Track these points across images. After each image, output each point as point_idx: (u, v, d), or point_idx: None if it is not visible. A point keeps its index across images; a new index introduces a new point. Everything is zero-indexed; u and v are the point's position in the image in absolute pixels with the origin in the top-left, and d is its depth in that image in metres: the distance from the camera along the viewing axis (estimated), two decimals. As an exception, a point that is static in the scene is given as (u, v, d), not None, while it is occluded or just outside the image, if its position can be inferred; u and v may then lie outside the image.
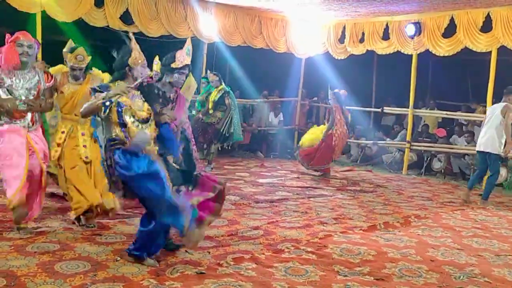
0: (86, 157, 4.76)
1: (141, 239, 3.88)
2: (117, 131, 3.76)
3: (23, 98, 4.42)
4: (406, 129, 10.39)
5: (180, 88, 4.68)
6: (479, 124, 8.15)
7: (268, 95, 12.40)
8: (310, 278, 3.82)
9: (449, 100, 12.32)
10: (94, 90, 3.81)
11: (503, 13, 8.39)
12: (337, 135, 8.83)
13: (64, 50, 4.86)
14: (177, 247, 4.27)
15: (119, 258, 3.94)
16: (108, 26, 8.58)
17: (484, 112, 7.94)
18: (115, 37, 7.98)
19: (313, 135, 9.13)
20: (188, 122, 4.84)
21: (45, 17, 8.02)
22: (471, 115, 10.15)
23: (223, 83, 8.76)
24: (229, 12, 10.17)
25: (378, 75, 13.22)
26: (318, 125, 12.16)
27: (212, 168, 8.78)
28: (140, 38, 8.58)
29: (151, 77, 4.04)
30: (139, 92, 3.89)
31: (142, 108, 3.86)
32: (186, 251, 4.25)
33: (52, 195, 5.92)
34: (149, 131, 3.87)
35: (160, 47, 8.14)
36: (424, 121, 11.55)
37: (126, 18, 8.83)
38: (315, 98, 12.80)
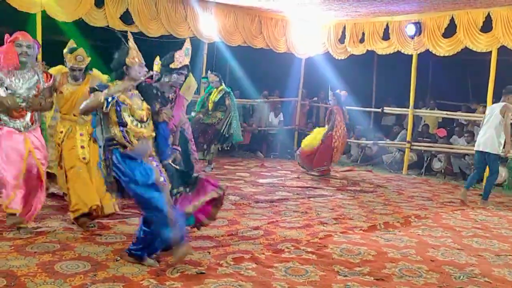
0: (84, 158, 4.75)
1: (141, 239, 3.88)
2: (115, 131, 3.77)
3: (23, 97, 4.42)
4: (406, 129, 10.38)
5: (180, 88, 4.69)
6: (479, 124, 8.15)
7: (268, 95, 12.41)
8: (310, 278, 3.82)
9: (449, 100, 12.32)
10: (93, 90, 3.81)
11: (503, 13, 8.39)
12: (336, 137, 8.84)
13: (65, 50, 4.86)
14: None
15: (119, 258, 3.94)
16: (108, 26, 8.58)
17: (484, 112, 7.93)
18: (115, 37, 7.98)
19: (313, 137, 9.14)
20: (188, 122, 4.85)
21: (45, 17, 8.02)
22: (471, 115, 10.15)
23: (223, 84, 8.76)
24: (229, 12, 10.17)
25: (378, 75, 13.22)
26: (318, 125, 12.22)
27: (212, 168, 8.79)
28: (140, 38, 8.61)
29: (151, 77, 4.05)
30: (137, 92, 3.90)
31: (141, 107, 3.87)
32: (186, 251, 4.26)
33: (52, 195, 5.92)
34: (147, 130, 3.88)
35: (160, 47, 8.14)
36: (424, 121, 11.54)
37: (126, 18, 8.84)
38: (315, 98, 12.80)
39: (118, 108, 3.74)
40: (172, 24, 9.35)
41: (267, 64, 12.06)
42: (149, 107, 3.92)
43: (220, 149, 9.01)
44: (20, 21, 7.59)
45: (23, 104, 4.41)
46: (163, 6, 9.25)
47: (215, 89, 8.69)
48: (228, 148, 9.38)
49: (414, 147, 10.08)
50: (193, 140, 4.76)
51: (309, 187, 7.89)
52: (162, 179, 3.86)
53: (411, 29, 9.52)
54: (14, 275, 3.53)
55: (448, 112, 10.42)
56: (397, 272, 4.07)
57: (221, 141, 8.79)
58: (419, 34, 9.49)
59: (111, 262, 3.88)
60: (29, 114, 4.49)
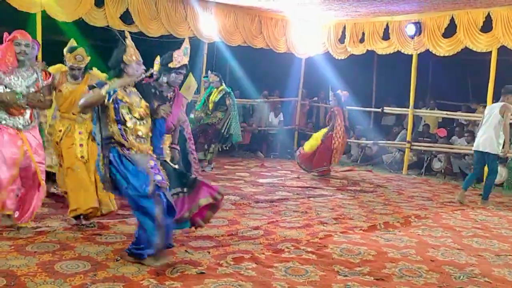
0: (82, 157, 4.75)
1: (141, 238, 3.87)
2: (113, 129, 3.77)
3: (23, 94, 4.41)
4: (406, 129, 10.38)
5: (180, 88, 4.69)
6: (479, 124, 8.14)
7: (268, 95, 12.41)
8: (310, 278, 3.82)
9: (449, 100, 12.32)
10: (92, 87, 3.82)
11: (503, 13, 8.39)
12: (336, 138, 8.84)
13: (65, 50, 4.87)
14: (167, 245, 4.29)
15: (119, 258, 3.94)
16: (108, 26, 8.59)
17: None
18: (115, 36, 7.99)
19: (315, 139, 9.15)
20: (187, 121, 4.84)
21: (45, 17, 8.02)
22: (472, 115, 10.15)
23: (223, 84, 8.76)
24: (229, 12, 10.17)
25: (378, 75, 13.22)
26: (318, 125, 12.25)
27: (212, 168, 8.79)
28: (140, 38, 8.61)
29: (151, 76, 4.05)
30: (135, 90, 3.90)
31: (139, 104, 3.87)
32: (186, 251, 4.26)
33: (52, 195, 5.92)
34: (145, 128, 3.88)
35: (160, 47, 8.13)
36: (425, 121, 11.54)
37: (126, 18, 8.84)
38: (315, 98, 12.80)
39: (116, 106, 3.75)
40: (172, 24, 9.35)
41: (267, 64, 12.06)
42: (147, 104, 3.93)
43: (220, 149, 9.01)
44: (20, 21, 7.59)
45: (22, 101, 4.39)
46: (163, 6, 9.25)
47: (216, 89, 8.69)
48: (228, 148, 9.38)
49: (414, 147, 10.08)
50: (192, 139, 4.75)
51: (309, 187, 7.89)
52: (159, 177, 3.86)
53: (411, 29, 9.52)
54: (14, 275, 3.52)
55: (448, 112, 10.42)
56: (397, 272, 4.06)
57: (221, 141, 8.80)
58: (419, 34, 9.49)
59: (111, 262, 3.88)
60: (28, 112, 4.48)
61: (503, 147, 6.97)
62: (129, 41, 3.91)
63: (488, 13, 8.59)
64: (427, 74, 13.17)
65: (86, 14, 8.37)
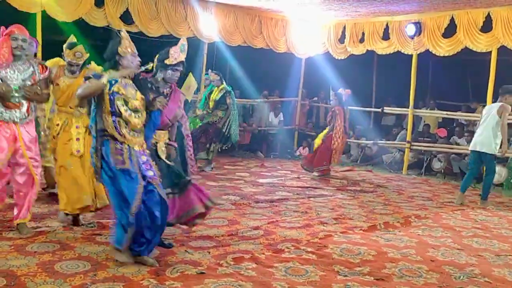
0: (78, 151, 4.75)
1: (138, 236, 3.87)
2: (108, 121, 3.78)
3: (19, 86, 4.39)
4: (406, 129, 10.38)
5: (179, 86, 4.68)
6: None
7: (268, 95, 12.41)
8: (310, 278, 3.82)
9: (449, 100, 12.32)
10: (88, 78, 3.83)
11: (503, 13, 8.39)
12: (336, 138, 8.84)
13: (64, 45, 4.88)
14: (167, 245, 4.31)
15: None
16: (108, 26, 8.59)
17: (484, 112, 7.92)
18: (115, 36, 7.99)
19: (318, 139, 9.16)
20: (186, 118, 4.82)
21: (45, 17, 8.03)
22: (471, 115, 10.15)
23: (224, 83, 8.76)
24: (229, 12, 10.17)
25: (378, 75, 13.23)
26: (318, 125, 12.26)
27: (212, 168, 8.79)
28: (140, 38, 8.61)
29: (149, 71, 4.06)
30: (131, 82, 3.91)
31: (135, 96, 3.87)
32: (186, 251, 4.26)
33: (52, 195, 5.91)
34: (141, 121, 3.89)
35: (160, 47, 8.10)
36: (425, 121, 11.54)
37: (126, 18, 8.84)
38: (315, 98, 12.81)
39: (111, 97, 3.76)
40: (172, 24, 9.35)
41: (267, 64, 12.07)
42: (143, 96, 3.93)
43: (220, 149, 9.00)
44: (20, 21, 7.54)
45: (18, 94, 4.36)
46: (163, 5, 9.25)
47: (216, 88, 8.69)
48: (228, 148, 9.39)
49: (414, 147, 10.08)
50: (190, 136, 4.72)
51: (309, 187, 7.89)
52: (151, 173, 3.87)
53: (411, 29, 9.52)
54: (14, 275, 3.53)
55: (448, 112, 10.42)
56: (397, 272, 4.06)
57: (222, 140, 8.80)
58: (419, 34, 9.49)
59: (111, 262, 3.88)
60: (25, 105, 4.46)
61: (500, 147, 6.96)
62: (124, 33, 3.92)
63: (488, 13, 8.59)
64: (427, 74, 13.18)
65: (86, 14, 8.38)
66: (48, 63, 4.95)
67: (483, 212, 6.65)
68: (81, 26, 8.60)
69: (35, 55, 5.23)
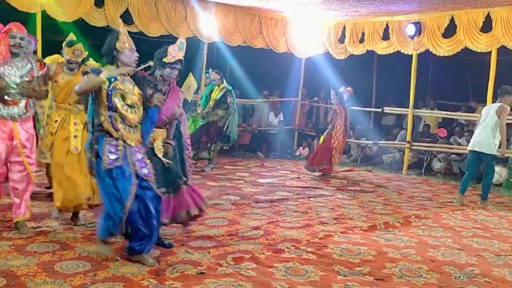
0: (75, 149, 4.75)
1: (136, 233, 3.87)
2: (104, 116, 3.78)
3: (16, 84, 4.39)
4: (406, 129, 10.38)
5: (179, 86, 4.67)
6: (479, 124, 8.14)
7: (268, 95, 12.41)
8: (310, 278, 3.82)
9: (449, 100, 12.32)
10: (86, 73, 3.83)
11: (503, 13, 8.39)
12: (335, 137, 8.85)
13: (64, 43, 4.89)
14: (167, 245, 4.32)
15: (119, 258, 3.94)
16: (108, 26, 8.59)
17: (485, 112, 7.92)
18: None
19: (321, 139, 9.18)
20: (184, 115, 4.81)
21: (45, 17, 8.03)
22: (472, 115, 10.14)
23: (225, 82, 8.77)
24: (229, 12, 10.17)
25: (378, 75, 13.22)
26: (318, 125, 12.27)
27: (212, 168, 8.79)
28: (140, 38, 8.61)
29: (148, 68, 4.06)
30: (129, 77, 3.91)
31: (132, 92, 3.87)
32: (186, 251, 4.26)
33: (52, 195, 5.90)
34: (137, 116, 3.88)
35: (160, 47, 8.11)
36: (425, 121, 11.54)
37: (126, 18, 8.83)
38: (315, 98, 12.80)
39: (109, 93, 3.76)
40: (172, 24, 9.35)
41: (267, 64, 12.07)
42: (140, 92, 3.93)
43: (219, 148, 9.00)
44: (20, 21, 7.53)
45: (15, 90, 4.35)
46: (163, 6, 9.25)
47: (217, 87, 8.69)
48: (229, 148, 9.39)
49: (414, 147, 10.08)
50: (188, 133, 4.72)
51: (309, 187, 7.89)
52: (146, 171, 3.87)
53: (411, 29, 9.52)
54: (14, 275, 3.52)
55: (448, 112, 10.42)
56: (397, 272, 4.06)
57: (223, 140, 8.81)
58: (419, 34, 9.49)
59: (111, 262, 3.88)
60: (23, 102, 4.45)
61: (499, 147, 6.96)
62: (122, 29, 3.92)
63: (488, 13, 8.59)
64: (427, 74, 13.17)
65: (86, 14, 8.38)
66: (47, 60, 4.97)
67: (483, 212, 6.65)
68: (81, 26, 8.60)
69: (35, 52, 5.23)
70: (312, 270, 3.99)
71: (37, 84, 4.48)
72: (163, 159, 4.21)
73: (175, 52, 4.19)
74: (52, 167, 4.90)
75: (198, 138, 8.51)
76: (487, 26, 8.67)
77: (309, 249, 4.50)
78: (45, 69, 4.64)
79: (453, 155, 9.69)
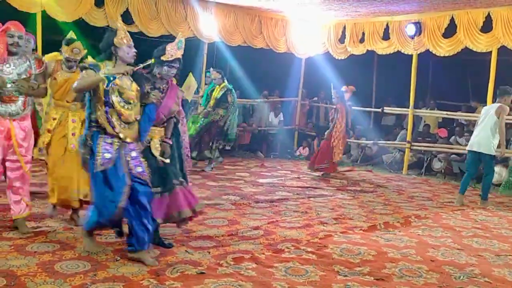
0: (74, 146, 4.76)
1: (134, 230, 3.89)
2: (100, 111, 3.78)
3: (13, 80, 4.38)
4: (406, 129, 10.38)
5: (180, 85, 4.66)
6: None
7: (268, 95, 12.41)
8: (310, 278, 3.82)
9: (449, 100, 12.32)
10: (84, 68, 3.83)
11: (503, 13, 8.39)
12: (335, 136, 8.85)
13: (63, 41, 4.90)
14: (167, 245, 4.32)
15: (119, 258, 3.94)
16: (108, 26, 8.59)
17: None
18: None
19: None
20: (183, 114, 4.81)
21: (45, 17, 8.03)
22: (472, 115, 10.14)
23: (225, 81, 8.77)
24: (229, 12, 10.18)
25: (378, 75, 13.22)
26: (318, 125, 12.27)
27: (212, 168, 8.79)
28: (140, 38, 8.61)
29: (147, 67, 4.06)
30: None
31: (130, 88, 3.87)
32: (186, 251, 4.26)
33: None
34: (133, 112, 3.88)
35: (160, 47, 8.13)
36: (425, 121, 11.54)
37: (126, 18, 8.82)
38: (315, 98, 12.80)
39: (106, 88, 3.76)
40: (172, 24, 9.35)
41: (267, 64, 12.07)
42: (138, 88, 3.93)
43: (221, 148, 8.99)
44: (20, 21, 7.55)
45: (13, 87, 4.35)
46: (163, 5, 9.25)
47: (218, 86, 8.70)
48: (230, 148, 9.39)
49: (414, 147, 10.08)
50: (186, 132, 4.71)
51: (309, 187, 7.89)
52: (140, 169, 3.88)
53: (411, 29, 9.52)
54: (14, 275, 3.52)
55: (448, 112, 10.41)
56: (397, 272, 4.06)
57: (225, 139, 8.81)
58: (419, 34, 9.49)
59: (111, 262, 3.88)
60: (21, 99, 4.44)
61: (498, 148, 6.96)
62: (120, 24, 3.92)
63: (488, 13, 8.59)
64: (427, 74, 13.17)
65: (86, 14, 8.38)
66: (46, 57, 4.98)
67: (483, 212, 6.65)
68: (81, 26, 8.59)
69: (35, 50, 5.22)
70: (312, 270, 3.99)
71: (35, 82, 4.48)
72: (159, 158, 4.18)
73: (174, 51, 4.19)
74: (49, 164, 4.90)
75: (200, 138, 8.53)
76: (487, 26, 8.67)
77: (309, 249, 4.50)
78: (43, 67, 4.64)
79: (453, 155, 9.70)
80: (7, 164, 4.49)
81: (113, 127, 3.81)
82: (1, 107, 4.35)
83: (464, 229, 5.63)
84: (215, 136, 8.70)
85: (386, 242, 4.93)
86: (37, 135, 4.94)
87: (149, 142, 4.19)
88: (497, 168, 8.16)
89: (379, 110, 11.17)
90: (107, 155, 3.78)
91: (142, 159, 3.95)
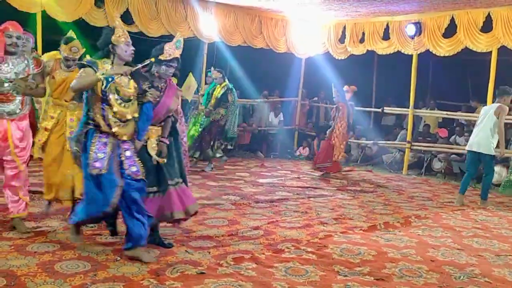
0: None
1: (130, 229, 3.90)
2: (97, 108, 3.78)
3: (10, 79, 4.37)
4: (406, 129, 10.38)
5: (180, 86, 4.65)
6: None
7: (268, 95, 12.41)
8: (310, 278, 3.82)
9: (450, 100, 12.32)
10: (81, 65, 3.83)
11: (504, 13, 8.39)
12: (336, 134, 8.85)
13: (62, 40, 4.90)
14: (167, 245, 4.32)
15: (119, 258, 3.94)
16: (108, 26, 8.58)
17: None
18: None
19: None
20: (182, 114, 4.80)
21: (45, 17, 8.03)
22: (472, 115, 10.13)
23: (226, 80, 8.78)
24: (229, 12, 10.18)
25: (378, 75, 13.22)
26: (318, 125, 12.26)
27: (212, 168, 8.79)
28: (140, 38, 8.60)
29: (146, 67, 4.06)
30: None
31: (128, 85, 3.87)
32: (186, 251, 4.26)
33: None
34: (130, 110, 3.88)
35: (160, 47, 8.12)
36: (425, 121, 11.54)
37: (126, 18, 8.83)
38: (315, 98, 12.80)
39: (104, 89, 3.76)
40: (172, 24, 9.35)
41: (267, 64, 12.06)
42: (136, 86, 3.92)
43: (222, 146, 8.99)
44: (20, 21, 7.55)
45: (9, 86, 4.33)
46: (163, 6, 9.25)
47: (219, 85, 8.71)
48: (232, 146, 9.38)
49: (414, 147, 10.08)
50: (185, 132, 4.71)
51: (309, 187, 7.89)
52: (134, 168, 3.88)
53: (411, 29, 9.52)
54: (14, 275, 3.52)
55: (448, 112, 10.41)
56: (397, 272, 4.06)
57: (225, 138, 8.82)
58: (419, 34, 9.49)
59: (111, 262, 3.88)
60: (19, 99, 4.44)
61: (497, 147, 6.96)
62: (118, 22, 3.92)
63: (488, 13, 8.59)
64: (427, 74, 13.17)
65: (86, 14, 8.38)
66: (45, 56, 4.98)
67: (483, 212, 6.65)
68: (81, 26, 8.59)
69: (35, 49, 5.21)
70: (312, 270, 3.99)
71: (32, 82, 4.48)
72: (155, 157, 4.16)
73: (172, 50, 4.19)
74: (45, 162, 4.89)
75: (201, 138, 8.55)
76: (487, 26, 8.67)
77: (309, 249, 4.50)
78: (41, 67, 4.63)
79: (454, 155, 9.69)
80: (4, 164, 4.49)
81: (108, 125, 3.80)
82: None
83: (464, 229, 5.63)
84: (216, 135, 8.72)
85: (386, 242, 4.93)
86: (35, 134, 4.95)
87: (146, 142, 4.17)
88: (497, 168, 8.16)
89: (379, 110, 11.17)
90: (100, 155, 3.79)
91: (136, 159, 3.95)
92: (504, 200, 7.67)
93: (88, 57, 4.96)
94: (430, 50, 9.52)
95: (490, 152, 6.90)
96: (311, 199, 6.94)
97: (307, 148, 11.59)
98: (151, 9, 9.10)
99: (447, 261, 4.44)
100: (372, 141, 10.95)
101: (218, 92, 8.63)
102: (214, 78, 8.79)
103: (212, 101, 8.63)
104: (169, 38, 9.19)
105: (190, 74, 8.69)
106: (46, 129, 4.86)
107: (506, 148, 8.38)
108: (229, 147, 9.12)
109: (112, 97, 3.78)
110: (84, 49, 4.92)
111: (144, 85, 4.01)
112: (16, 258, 3.87)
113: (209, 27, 9.83)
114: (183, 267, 3.85)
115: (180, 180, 4.34)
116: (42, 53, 7.25)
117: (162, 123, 4.28)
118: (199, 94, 9.75)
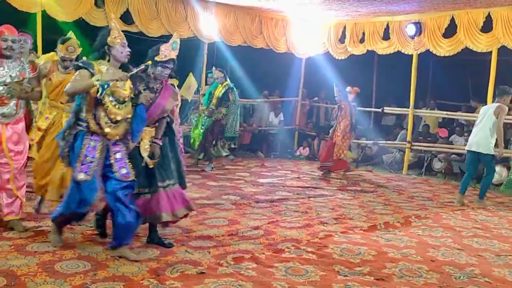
0: None
1: (119, 231, 3.92)
2: (90, 108, 3.78)
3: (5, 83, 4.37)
4: (406, 129, 10.38)
5: (179, 87, 4.65)
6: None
7: (269, 95, 12.41)
8: (310, 278, 3.82)
9: (450, 100, 12.31)
10: (78, 67, 3.82)
11: (504, 13, 8.38)
12: (338, 133, 8.85)
13: (58, 41, 4.90)
14: (167, 245, 4.32)
15: (119, 258, 3.94)
16: (108, 25, 8.58)
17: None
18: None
19: None
20: (178, 113, 4.79)
21: (45, 16, 8.03)
22: (472, 115, 10.13)
23: (228, 79, 8.78)
24: (230, 12, 10.17)
25: (378, 75, 13.21)
26: (318, 125, 12.26)
27: (212, 168, 8.79)
28: (140, 38, 8.60)
29: (144, 70, 4.06)
30: (120, 71, 3.90)
31: (123, 87, 3.86)
32: (186, 251, 4.26)
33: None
34: (124, 112, 3.86)
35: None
36: (425, 121, 11.54)
37: (126, 18, 8.83)
38: (316, 98, 12.80)
39: (99, 96, 3.76)
40: (172, 24, 9.35)
41: (267, 64, 12.06)
42: (131, 87, 3.91)
43: (226, 146, 8.97)
44: (20, 20, 7.59)
45: (4, 90, 4.32)
46: (163, 6, 9.25)
47: (220, 85, 8.71)
48: (235, 146, 9.38)
49: (414, 147, 10.07)
50: (181, 132, 4.71)
51: (309, 187, 7.89)
52: (124, 171, 3.88)
53: (411, 29, 9.52)
54: (14, 275, 3.52)
55: (448, 112, 10.41)
56: (397, 272, 4.06)
57: (226, 138, 8.82)
58: (419, 34, 9.48)
59: (111, 261, 3.88)
60: (14, 102, 4.42)
61: (495, 147, 6.96)
62: (113, 24, 3.91)
63: (488, 13, 8.58)
64: (427, 74, 13.16)
65: (86, 14, 8.38)
66: (43, 57, 4.98)
67: (483, 212, 6.65)
68: (81, 26, 8.59)
69: (36, 50, 5.21)
70: (312, 270, 3.99)
71: (28, 85, 4.47)
72: (146, 159, 4.13)
73: (168, 51, 4.19)
74: (37, 160, 4.89)
75: (204, 139, 8.56)
76: (487, 26, 8.67)
77: (309, 249, 4.50)
78: (37, 71, 4.62)
79: (454, 155, 9.69)
80: (1, 167, 4.48)
81: (99, 125, 3.80)
82: None
83: (464, 229, 5.63)
84: (218, 135, 8.73)
85: (386, 242, 4.93)
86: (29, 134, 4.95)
87: (139, 143, 4.14)
88: (497, 168, 8.15)
89: (379, 110, 11.16)
90: (89, 159, 3.80)
91: (127, 160, 3.94)
92: (504, 200, 7.67)
93: (84, 59, 4.97)
94: (430, 50, 9.52)
95: (489, 152, 6.89)
96: (311, 199, 6.94)
97: (307, 148, 11.58)
98: (151, 9, 9.10)
99: (447, 261, 4.44)
100: (372, 141, 10.94)
101: (220, 91, 8.63)
102: (215, 78, 8.79)
103: (214, 101, 8.63)
104: (169, 38, 9.14)
105: (190, 74, 8.70)
106: (39, 129, 4.86)
107: (506, 148, 8.38)
108: (232, 146, 9.12)
109: (106, 99, 3.77)
110: (81, 49, 4.91)
111: (140, 87, 4.00)
112: (16, 258, 3.87)
113: (209, 27, 9.83)
114: (183, 267, 3.85)
115: (172, 182, 4.27)
116: (42, 53, 7.27)
117: (156, 124, 4.27)
118: (200, 94, 9.77)
